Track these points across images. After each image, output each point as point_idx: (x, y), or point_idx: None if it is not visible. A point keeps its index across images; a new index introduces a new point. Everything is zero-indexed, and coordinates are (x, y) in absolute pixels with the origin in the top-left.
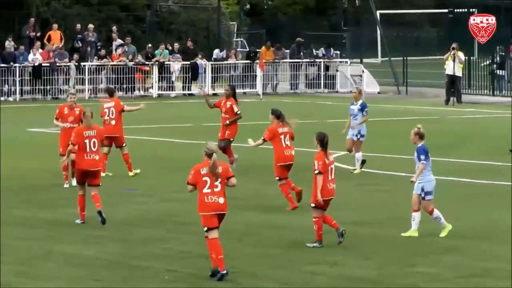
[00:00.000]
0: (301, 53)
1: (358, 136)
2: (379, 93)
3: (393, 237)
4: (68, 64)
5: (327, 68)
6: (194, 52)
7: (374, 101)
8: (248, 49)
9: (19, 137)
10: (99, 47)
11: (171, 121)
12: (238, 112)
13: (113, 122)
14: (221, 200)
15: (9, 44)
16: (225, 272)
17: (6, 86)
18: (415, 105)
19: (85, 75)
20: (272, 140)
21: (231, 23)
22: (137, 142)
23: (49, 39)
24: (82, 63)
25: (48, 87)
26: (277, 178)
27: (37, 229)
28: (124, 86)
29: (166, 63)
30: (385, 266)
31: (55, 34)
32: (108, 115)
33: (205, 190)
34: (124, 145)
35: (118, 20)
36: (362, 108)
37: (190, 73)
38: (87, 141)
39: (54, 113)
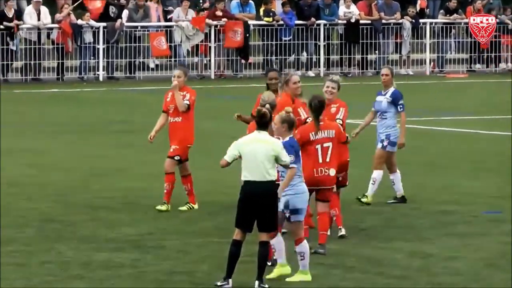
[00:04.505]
0: None
1: (385, 143)
2: None
3: None
4: (400, 21)
5: None
6: None
7: None
8: None
9: None
10: None
11: None
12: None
13: None
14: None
15: None
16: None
17: None
18: None
19: (425, 39)
20: None
21: None
22: None
23: None
24: (422, 21)
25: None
26: None
27: None
28: (484, 55)
29: None
30: None
31: None
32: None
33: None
34: None
35: None
36: (395, 101)
37: None
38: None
39: None
